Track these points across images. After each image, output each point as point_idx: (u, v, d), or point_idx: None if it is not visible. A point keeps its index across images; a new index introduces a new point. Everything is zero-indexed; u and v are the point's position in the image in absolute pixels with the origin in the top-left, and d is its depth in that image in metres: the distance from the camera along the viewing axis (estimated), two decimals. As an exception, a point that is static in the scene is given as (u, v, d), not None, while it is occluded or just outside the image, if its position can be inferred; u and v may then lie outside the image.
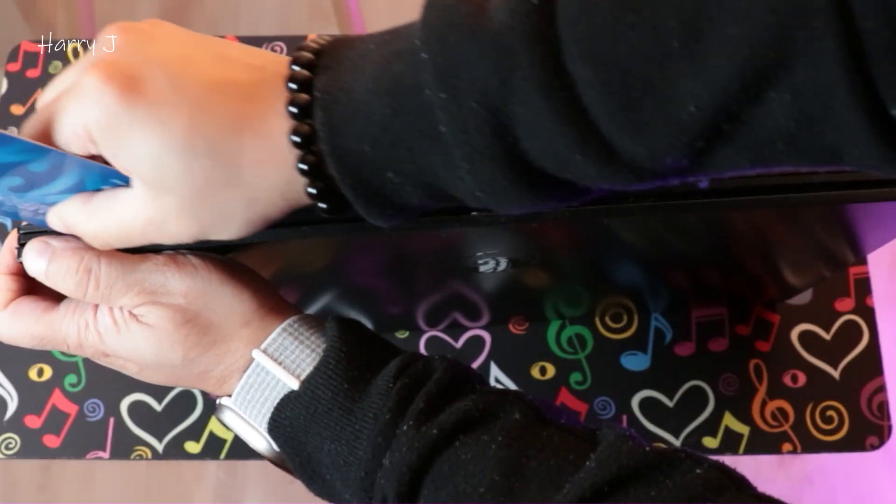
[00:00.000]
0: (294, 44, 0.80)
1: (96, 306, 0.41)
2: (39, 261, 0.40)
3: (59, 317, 0.41)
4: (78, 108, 0.34)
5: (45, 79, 0.79)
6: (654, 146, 0.30)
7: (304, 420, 0.40)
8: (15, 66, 0.80)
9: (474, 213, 0.39)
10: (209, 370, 0.42)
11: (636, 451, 0.36)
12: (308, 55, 0.34)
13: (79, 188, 0.37)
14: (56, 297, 0.42)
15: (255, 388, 0.41)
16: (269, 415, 0.41)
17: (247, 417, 0.42)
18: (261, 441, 0.42)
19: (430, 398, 0.39)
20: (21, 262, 0.41)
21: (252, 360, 0.41)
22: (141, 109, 0.33)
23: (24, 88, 0.79)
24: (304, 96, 0.33)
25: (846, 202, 0.40)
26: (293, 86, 0.33)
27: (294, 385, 0.40)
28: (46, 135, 0.35)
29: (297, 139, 0.33)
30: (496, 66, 0.30)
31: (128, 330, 0.40)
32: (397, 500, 0.38)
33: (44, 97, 0.38)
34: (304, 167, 0.34)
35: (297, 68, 0.34)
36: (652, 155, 0.30)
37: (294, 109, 0.33)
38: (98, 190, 0.37)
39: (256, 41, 0.81)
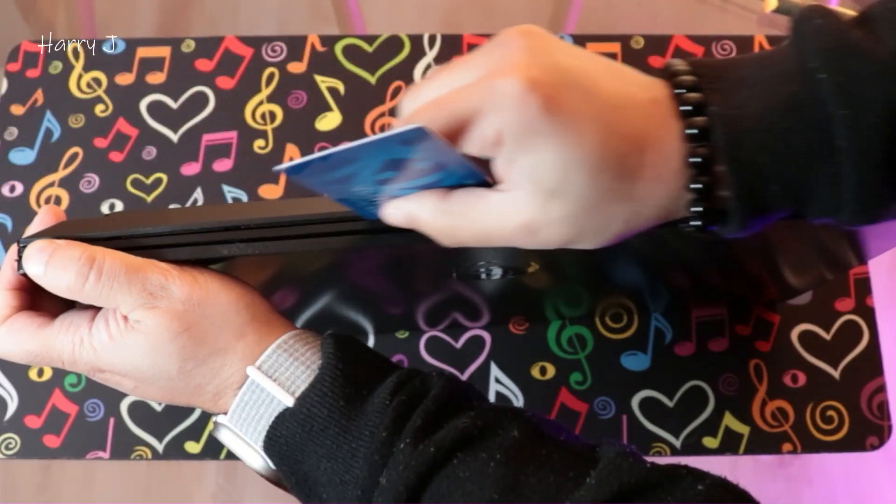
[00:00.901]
0: (294, 44, 0.80)
1: (91, 321, 0.41)
2: (41, 255, 0.39)
3: (54, 333, 0.41)
4: (498, 113, 0.33)
5: (45, 79, 0.79)
6: None
7: (299, 438, 0.40)
8: (15, 66, 0.80)
9: None
10: (204, 384, 0.41)
11: (637, 467, 0.36)
12: (689, 78, 0.35)
13: (437, 184, 0.37)
14: (52, 315, 0.42)
15: (251, 406, 0.41)
16: (264, 432, 0.41)
17: (242, 435, 0.42)
18: (257, 459, 0.42)
19: (427, 415, 0.38)
20: (21, 275, 0.40)
21: (247, 376, 0.41)
22: (560, 121, 0.33)
23: (24, 88, 0.79)
24: (701, 119, 0.34)
25: None
26: (687, 108, 0.34)
27: (289, 402, 0.40)
28: (454, 136, 0.34)
29: (698, 160, 0.34)
30: None
31: (123, 341, 0.40)
32: None
33: (427, 94, 0.36)
34: (699, 187, 0.35)
35: (683, 91, 0.35)
36: None
37: (693, 131, 0.34)
38: (452, 186, 0.37)
39: (256, 41, 0.80)
